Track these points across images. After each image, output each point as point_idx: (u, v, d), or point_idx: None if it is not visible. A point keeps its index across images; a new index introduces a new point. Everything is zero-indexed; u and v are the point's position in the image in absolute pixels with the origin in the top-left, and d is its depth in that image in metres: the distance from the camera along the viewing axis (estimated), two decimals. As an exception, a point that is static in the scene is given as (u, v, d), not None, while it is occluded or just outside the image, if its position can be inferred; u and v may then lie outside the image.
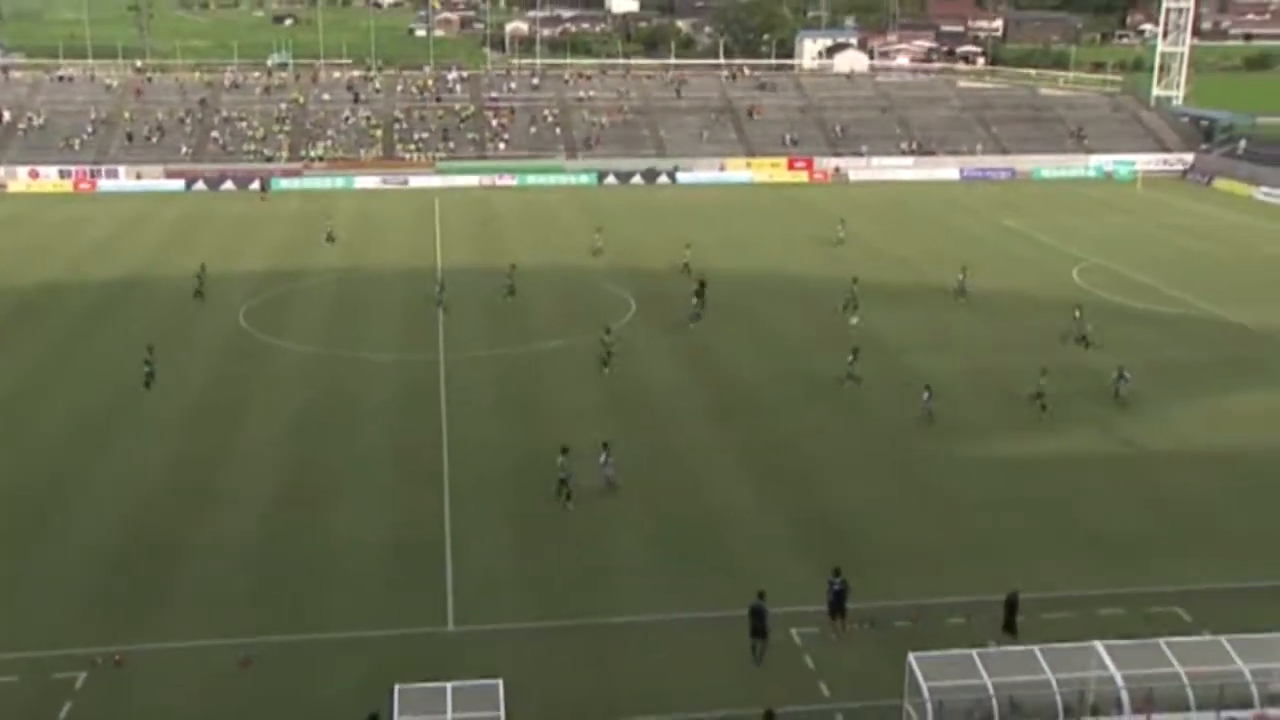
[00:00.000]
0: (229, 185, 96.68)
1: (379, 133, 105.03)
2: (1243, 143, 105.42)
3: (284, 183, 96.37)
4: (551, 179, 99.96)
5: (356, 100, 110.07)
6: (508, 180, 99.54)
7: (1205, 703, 21.95)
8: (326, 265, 67.86)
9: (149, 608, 29.67)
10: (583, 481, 35.82)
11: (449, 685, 22.00)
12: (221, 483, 37.43)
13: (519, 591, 30.73)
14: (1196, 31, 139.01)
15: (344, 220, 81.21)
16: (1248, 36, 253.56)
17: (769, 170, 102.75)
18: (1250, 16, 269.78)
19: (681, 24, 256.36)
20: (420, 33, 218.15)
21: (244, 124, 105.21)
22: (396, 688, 22.27)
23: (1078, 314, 52.79)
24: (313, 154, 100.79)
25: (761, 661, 27.10)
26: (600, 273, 65.45)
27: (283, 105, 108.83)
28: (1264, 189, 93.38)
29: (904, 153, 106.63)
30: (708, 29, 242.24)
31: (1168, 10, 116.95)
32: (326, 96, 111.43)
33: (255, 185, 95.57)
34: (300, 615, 29.36)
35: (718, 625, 28.54)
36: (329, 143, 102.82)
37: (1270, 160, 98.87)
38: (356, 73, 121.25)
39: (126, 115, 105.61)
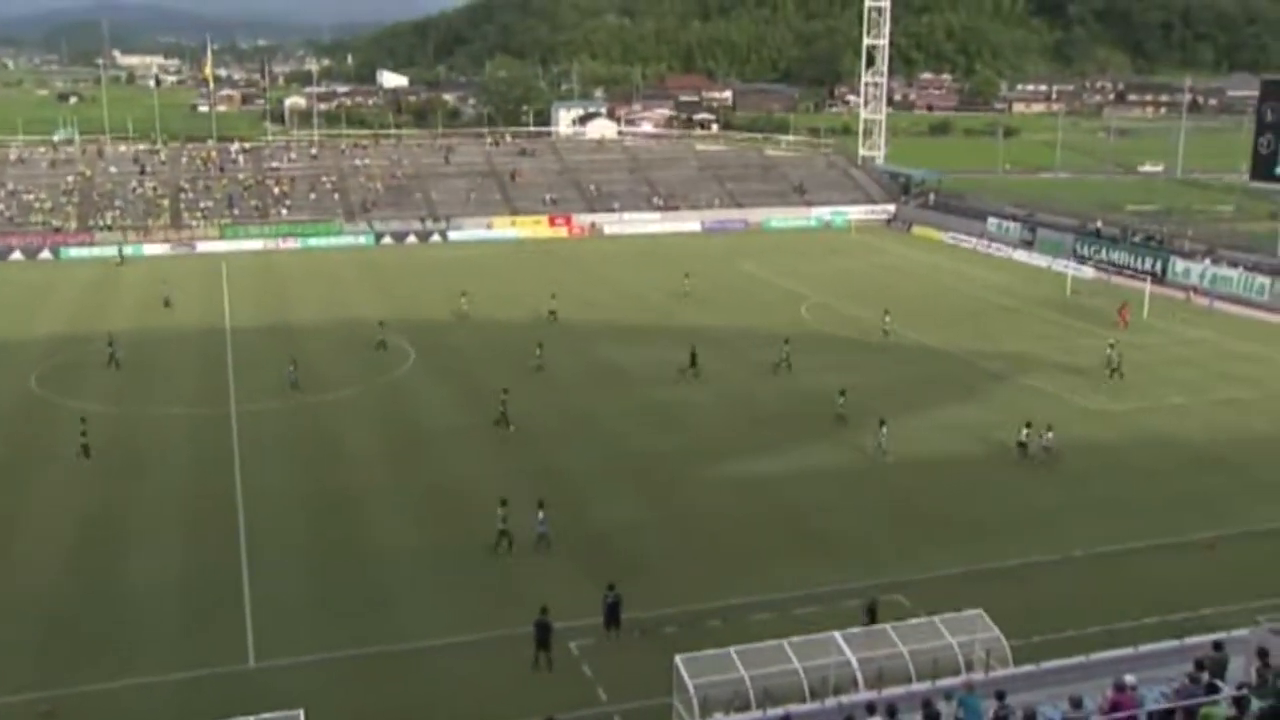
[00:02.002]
0: (17, 255, 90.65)
1: (166, 202, 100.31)
2: (933, 195, 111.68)
3: (73, 251, 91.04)
4: (332, 240, 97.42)
5: (143, 172, 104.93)
6: (291, 243, 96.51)
7: (923, 674, 22.89)
8: (118, 329, 64.19)
9: (-54, 670, 27.36)
10: (377, 521, 34.81)
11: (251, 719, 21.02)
12: (16, 540, 34.86)
13: (315, 625, 29.66)
14: (890, 102, 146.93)
15: (135, 286, 77.41)
16: (929, 107, 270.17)
17: (532, 227, 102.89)
18: (931, 91, 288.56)
19: (448, 97, 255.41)
20: (203, 108, 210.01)
21: (31, 196, 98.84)
22: (200, 727, 21.17)
23: (1110, 349, 53.57)
24: (101, 224, 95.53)
25: (551, 669, 26.98)
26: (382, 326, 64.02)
27: (70, 178, 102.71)
28: (951, 234, 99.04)
29: (652, 208, 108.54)
30: (472, 101, 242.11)
31: (866, 85, 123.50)
32: (113, 169, 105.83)
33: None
34: (101, 663, 27.54)
35: (502, 643, 28.23)
36: (117, 213, 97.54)
37: (956, 210, 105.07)
38: (142, 146, 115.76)
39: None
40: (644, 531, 35.58)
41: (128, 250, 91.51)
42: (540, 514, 33.83)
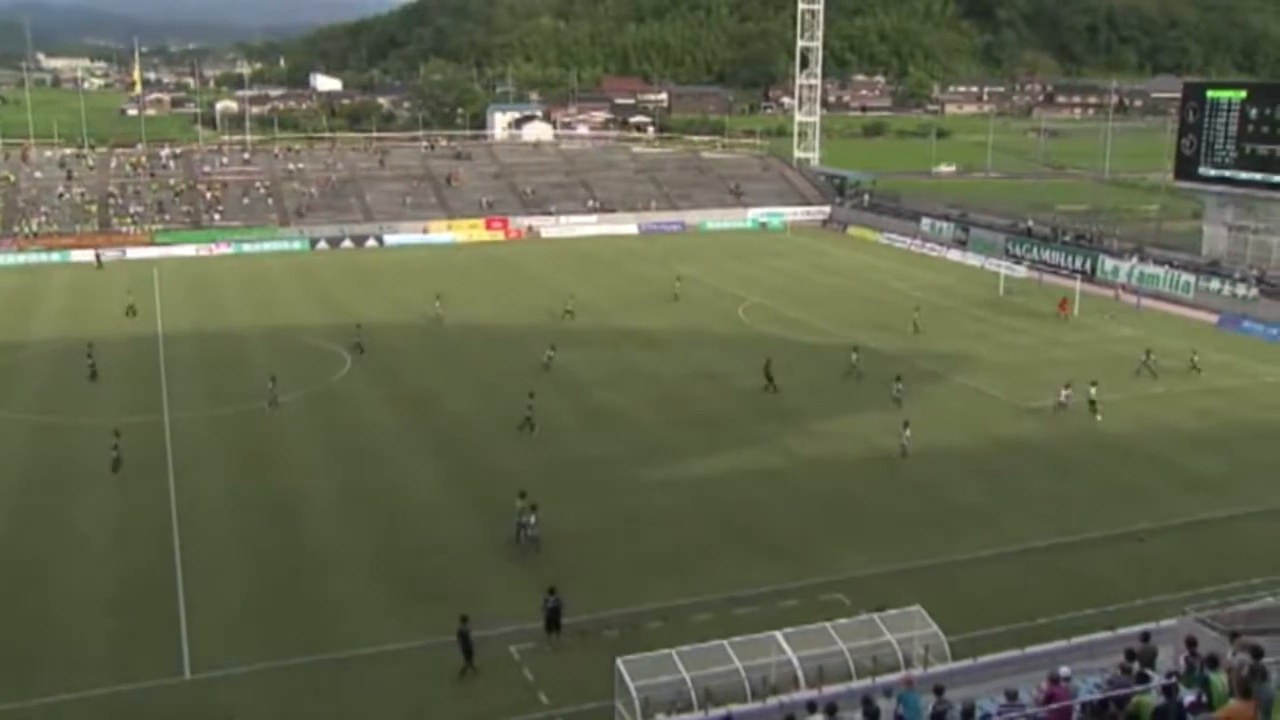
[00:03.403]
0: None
1: (94, 208, 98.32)
2: (867, 196, 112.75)
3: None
4: (266, 246, 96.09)
5: (70, 177, 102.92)
6: (224, 248, 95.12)
7: (863, 671, 23.15)
8: (45, 336, 62.90)
9: None
10: (318, 528, 34.37)
11: (188, 733, 20.70)
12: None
13: (253, 634, 29.23)
14: (824, 104, 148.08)
15: (61, 293, 75.85)
16: (863, 109, 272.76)
17: (469, 231, 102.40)
18: (864, 93, 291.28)
19: (382, 100, 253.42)
20: (132, 112, 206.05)
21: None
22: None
23: (1148, 355, 55.01)
24: (27, 230, 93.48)
25: (462, 676, 26.77)
26: (317, 331, 63.34)
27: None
28: (886, 234, 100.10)
29: (588, 210, 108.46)
30: (406, 104, 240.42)
31: (801, 87, 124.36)
32: (39, 174, 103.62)
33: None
34: (30, 679, 26.87)
35: (444, 649, 27.98)
36: (43, 219, 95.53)
37: (890, 211, 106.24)
38: (69, 151, 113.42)
39: None
40: (585, 533, 35.52)
41: (55, 256, 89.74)
42: (533, 517, 33.80)
